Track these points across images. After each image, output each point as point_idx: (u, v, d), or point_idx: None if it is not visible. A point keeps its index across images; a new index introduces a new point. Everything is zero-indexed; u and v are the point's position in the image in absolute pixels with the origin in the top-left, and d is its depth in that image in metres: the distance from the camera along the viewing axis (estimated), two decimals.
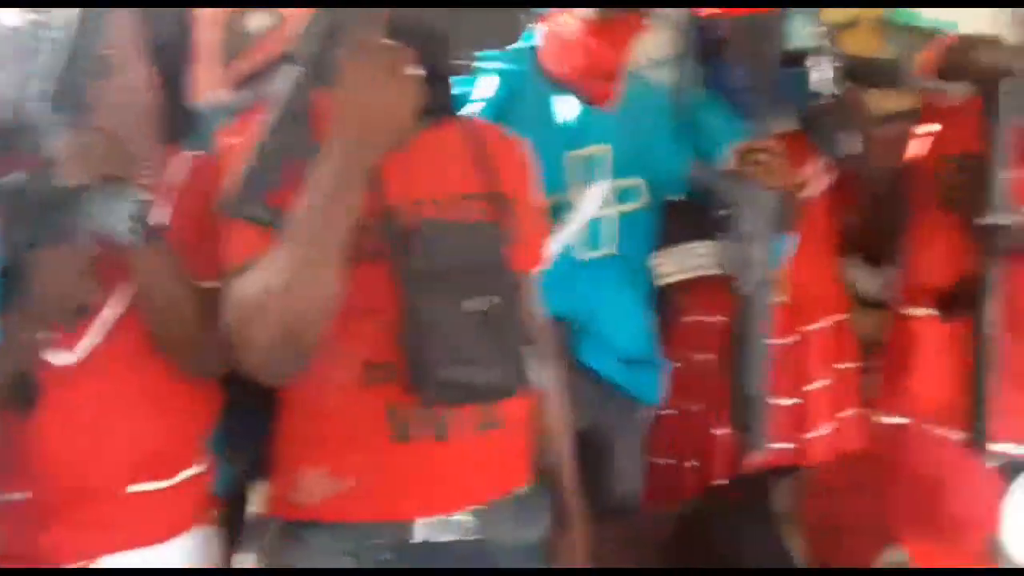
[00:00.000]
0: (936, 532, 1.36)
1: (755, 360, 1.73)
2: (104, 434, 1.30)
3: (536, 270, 1.47)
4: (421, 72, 1.19)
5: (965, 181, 1.83)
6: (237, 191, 1.20)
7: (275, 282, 1.16)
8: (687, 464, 2.06)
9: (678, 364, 2.04)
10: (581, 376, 1.84)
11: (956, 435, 1.86)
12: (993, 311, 1.83)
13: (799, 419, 2.00)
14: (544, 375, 1.42)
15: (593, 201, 1.75)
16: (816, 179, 2.01)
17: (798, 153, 2.01)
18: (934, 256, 1.97)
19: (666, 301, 2.09)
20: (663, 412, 2.06)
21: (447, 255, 1.23)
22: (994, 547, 1.48)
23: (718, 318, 2.02)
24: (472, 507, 1.29)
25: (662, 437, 2.07)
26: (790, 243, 1.96)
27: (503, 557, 1.32)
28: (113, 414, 1.30)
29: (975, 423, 1.83)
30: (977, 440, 1.86)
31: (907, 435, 1.96)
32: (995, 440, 1.92)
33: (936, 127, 2.01)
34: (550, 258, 1.73)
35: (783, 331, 2.02)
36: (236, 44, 1.56)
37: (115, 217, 1.18)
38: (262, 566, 1.32)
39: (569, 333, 1.80)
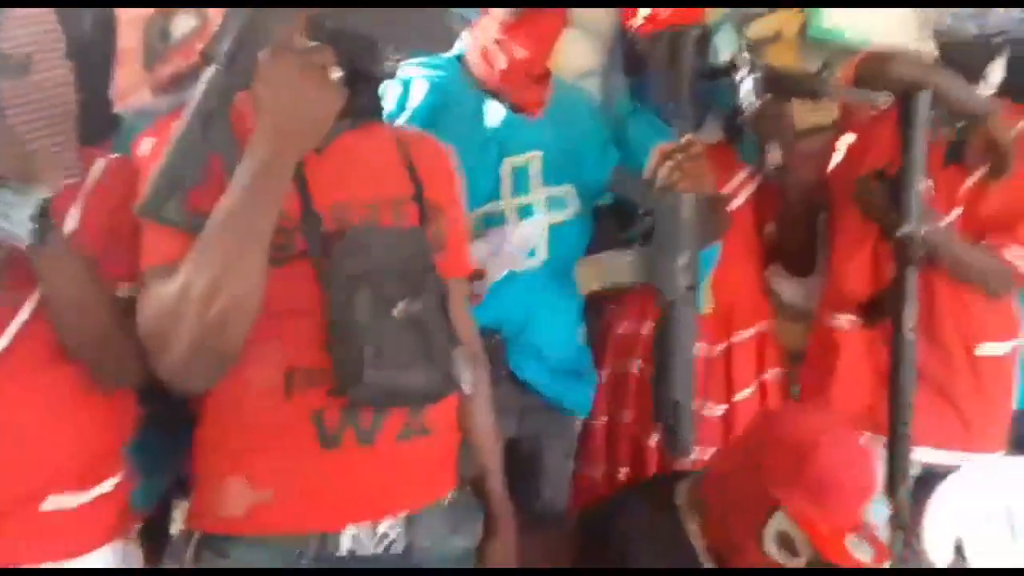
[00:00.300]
0: (807, 490, 1.43)
1: (679, 368, 1.74)
2: (14, 444, 1.23)
3: (463, 277, 1.45)
4: (340, 73, 1.18)
5: (882, 192, 1.87)
6: (153, 193, 1.17)
7: (194, 284, 1.12)
8: (620, 472, 2.07)
9: (610, 373, 2.06)
10: (512, 385, 1.83)
11: (876, 440, 1.90)
12: (910, 318, 1.87)
13: (728, 426, 2.02)
14: (472, 382, 1.41)
15: (526, 239, 1.76)
16: (740, 189, 2.05)
17: (723, 164, 2.03)
18: (855, 265, 2.00)
19: (600, 310, 2.11)
20: (595, 421, 2.07)
21: (374, 259, 1.20)
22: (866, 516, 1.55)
23: (647, 327, 2.04)
24: (399, 514, 1.26)
25: (595, 446, 2.07)
26: (715, 252, 1.99)
27: (431, 567, 1.30)
28: (23, 423, 1.23)
29: (894, 429, 1.87)
30: (898, 445, 1.90)
31: None
32: (915, 445, 1.97)
33: (854, 139, 2.07)
34: (488, 279, 1.74)
35: (711, 340, 2.03)
36: (159, 47, 1.52)
37: (13, 219, 1.13)
38: None
39: (500, 343, 1.79)
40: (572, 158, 1.80)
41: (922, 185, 1.84)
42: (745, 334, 2.04)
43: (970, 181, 1.96)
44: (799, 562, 1.44)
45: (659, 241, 1.73)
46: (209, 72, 1.17)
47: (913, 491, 1.98)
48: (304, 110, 1.13)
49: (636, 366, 2.02)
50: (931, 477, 2.02)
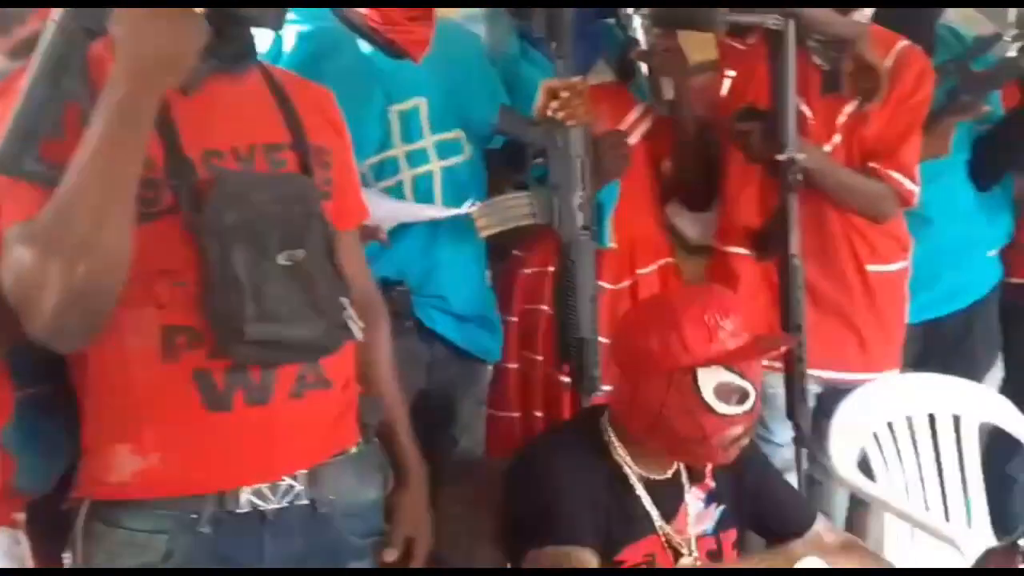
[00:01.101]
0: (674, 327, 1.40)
1: (582, 306, 1.69)
2: None
3: (356, 227, 1.38)
4: (203, 9, 1.08)
5: (758, 124, 1.85)
6: (7, 147, 1.05)
7: (56, 242, 1.00)
8: (536, 415, 2.03)
9: (519, 316, 2.00)
10: (419, 336, 1.75)
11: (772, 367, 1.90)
12: (794, 244, 1.87)
13: None
14: (373, 333, 1.34)
15: (427, 212, 1.69)
16: (635, 127, 2.01)
17: (616, 103, 1.97)
18: (745, 198, 1.98)
19: (505, 253, 2.06)
20: (508, 365, 2.00)
21: (251, 208, 1.09)
22: None
23: (551, 268, 2.00)
24: (301, 470, 1.19)
25: (509, 390, 2.01)
26: (616, 190, 1.95)
27: (339, 519, 1.23)
28: None
29: (789, 352, 1.88)
30: (795, 367, 1.92)
31: None
32: (815, 367, 1.99)
33: (735, 74, 2.02)
34: (382, 228, 1.66)
35: (615, 277, 1.99)
36: (14, 9, 1.40)
37: None
38: (73, 553, 1.19)
39: (403, 294, 1.70)
40: (459, 102, 1.70)
41: (795, 112, 1.85)
42: (649, 269, 2.00)
43: (848, 108, 1.95)
44: (736, 409, 1.37)
45: (552, 181, 1.68)
46: (58, 13, 1.06)
47: (816, 410, 2.02)
48: (162, 44, 1.01)
49: (545, 308, 1.98)
50: (833, 395, 2.05)
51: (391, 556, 1.31)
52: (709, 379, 1.36)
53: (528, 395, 2.02)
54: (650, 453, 1.46)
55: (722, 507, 1.52)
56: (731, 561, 1.52)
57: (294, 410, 1.17)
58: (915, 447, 2.07)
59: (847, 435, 1.98)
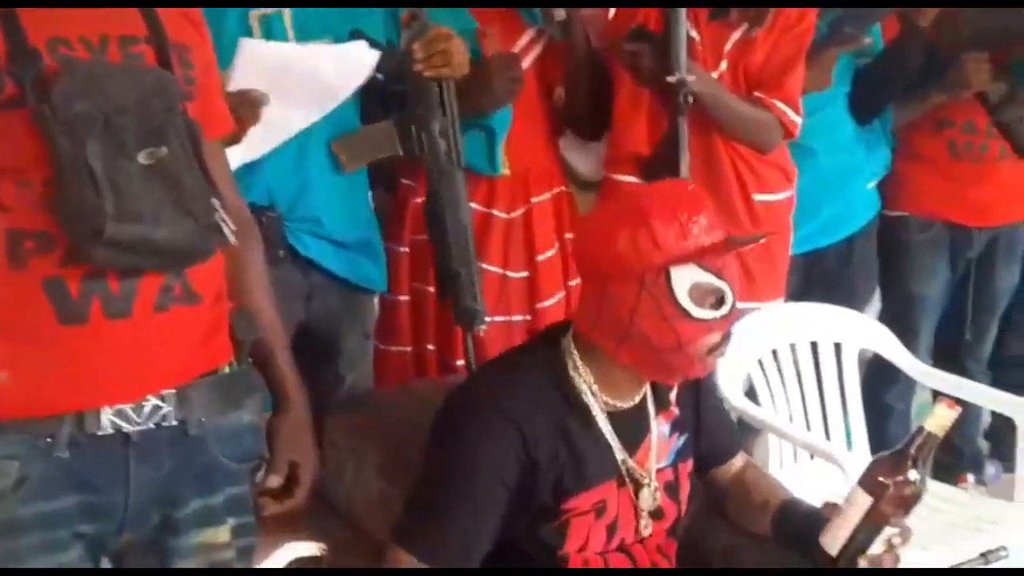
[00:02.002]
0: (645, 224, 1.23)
1: (454, 238, 1.63)
2: None
3: (222, 136, 1.27)
4: None
5: (649, 43, 1.81)
6: None
7: None
8: (428, 348, 1.96)
9: (410, 247, 1.93)
10: (294, 265, 1.66)
11: None
12: (684, 167, 1.85)
13: (532, 289, 1.94)
14: (245, 251, 1.25)
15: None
16: (526, 52, 1.93)
17: (507, 27, 1.89)
18: (633, 124, 1.95)
19: (394, 182, 1.97)
20: (399, 298, 1.95)
21: (107, 99, 0.98)
22: None
23: None
24: (168, 389, 1.10)
25: (400, 324, 1.95)
26: (508, 116, 1.89)
27: (212, 442, 1.14)
28: None
29: None
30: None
31: None
32: None
33: None
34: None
35: (509, 205, 1.93)
36: None
37: None
38: None
39: (275, 219, 1.60)
40: (327, 9, 1.59)
41: (685, 33, 1.82)
42: (543, 197, 1.95)
43: (735, 36, 1.94)
44: (712, 313, 1.23)
45: (412, 109, 1.60)
46: None
47: None
48: None
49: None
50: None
51: (274, 481, 1.23)
52: (683, 279, 1.21)
53: (420, 328, 1.96)
54: (617, 376, 1.30)
55: (684, 437, 1.39)
56: (686, 491, 1.39)
57: (158, 324, 1.07)
58: (798, 374, 2.11)
59: (733, 363, 1.98)
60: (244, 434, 1.20)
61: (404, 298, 1.95)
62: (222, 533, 1.17)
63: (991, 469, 2.71)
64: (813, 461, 2.02)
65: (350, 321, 1.77)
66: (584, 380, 1.30)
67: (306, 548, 1.44)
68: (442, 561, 1.24)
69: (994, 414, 2.79)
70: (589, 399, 1.29)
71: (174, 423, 1.11)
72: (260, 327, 1.22)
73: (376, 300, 1.88)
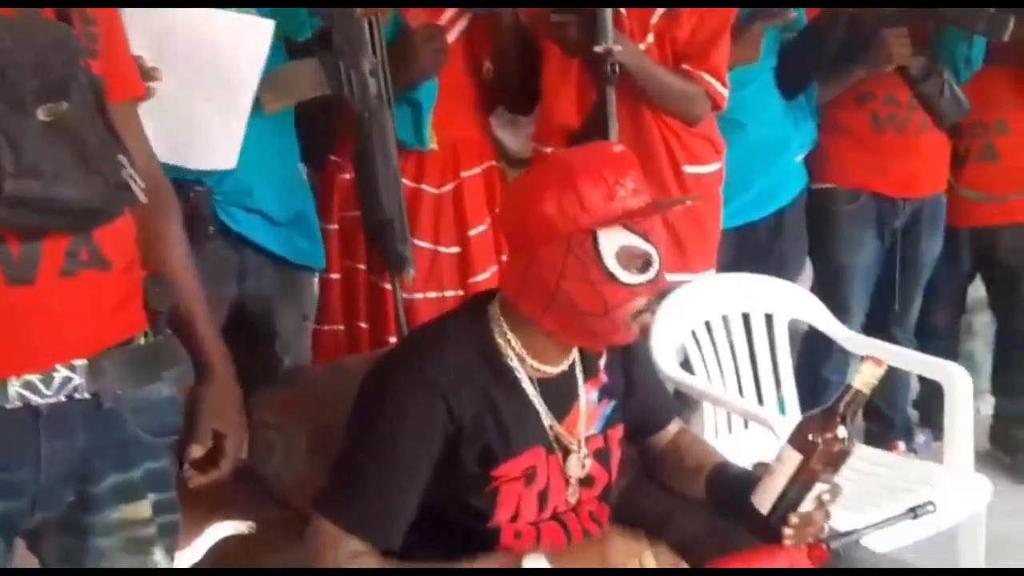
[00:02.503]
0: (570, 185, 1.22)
1: (383, 183, 1.57)
2: None
3: (130, 99, 1.22)
4: None
5: (576, 14, 1.79)
6: None
7: None
8: (360, 326, 1.92)
9: (339, 224, 1.89)
10: (225, 242, 1.61)
11: None
12: (615, 137, 1.83)
13: (464, 265, 1.91)
14: (161, 221, 1.20)
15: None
16: (453, 25, 1.90)
17: None
18: (562, 96, 1.93)
19: (323, 159, 1.93)
20: (329, 276, 1.90)
21: (1, 53, 0.96)
22: None
23: None
24: (79, 360, 1.05)
25: (332, 302, 1.90)
26: (434, 88, 1.86)
27: (128, 415, 1.09)
28: None
29: None
30: None
31: None
32: None
33: None
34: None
35: (439, 180, 1.90)
36: None
37: None
38: None
39: (203, 194, 1.55)
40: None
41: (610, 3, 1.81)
42: (473, 172, 1.92)
43: (661, 9, 1.93)
44: (639, 278, 1.20)
45: (338, 46, 1.52)
46: None
47: None
48: None
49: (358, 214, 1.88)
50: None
51: (196, 451, 1.19)
52: (611, 242, 1.19)
53: (352, 306, 1.92)
54: (543, 342, 1.27)
55: (613, 403, 1.37)
56: (616, 457, 1.37)
57: (66, 291, 1.02)
58: (731, 345, 2.12)
59: (667, 334, 1.99)
60: (163, 407, 1.15)
61: (335, 276, 1.91)
62: (142, 509, 1.13)
63: (921, 437, 2.78)
64: (748, 430, 2.03)
65: (286, 301, 1.73)
66: (511, 347, 1.27)
67: (234, 527, 1.40)
68: (363, 528, 1.21)
69: (923, 384, 2.87)
70: (516, 365, 1.27)
71: (87, 396, 1.06)
72: (176, 295, 1.18)
73: (316, 280, 1.83)
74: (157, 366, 1.14)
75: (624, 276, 1.20)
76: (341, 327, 1.93)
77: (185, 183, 1.48)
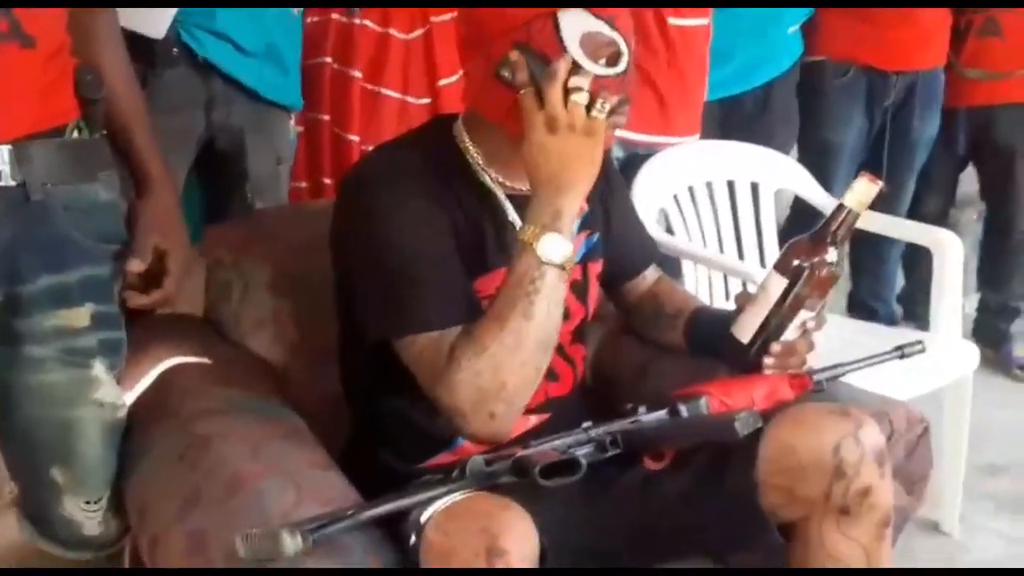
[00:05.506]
0: None
1: None
2: None
3: None
4: None
5: None
6: None
7: None
8: (325, 182, 1.83)
9: (302, 72, 1.79)
10: (191, 70, 1.52)
11: None
12: None
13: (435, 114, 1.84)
14: (93, 12, 1.10)
15: None
16: None
17: None
18: None
19: None
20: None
21: None
22: None
23: (335, 16, 1.80)
24: (2, 143, 0.96)
25: (296, 157, 1.81)
26: None
27: (60, 212, 1.02)
28: None
29: None
30: None
31: None
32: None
33: None
34: None
35: (408, 25, 1.80)
36: None
37: None
38: None
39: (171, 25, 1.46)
40: None
41: None
42: (444, 17, 1.80)
43: None
44: (607, 70, 1.09)
45: None
46: None
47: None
48: None
49: (328, 60, 1.78)
50: (634, 159, 1.99)
51: (135, 265, 1.13)
52: (574, 26, 1.08)
53: (315, 161, 1.83)
54: (509, 153, 1.15)
55: (596, 235, 1.29)
56: (594, 292, 1.30)
57: None
58: (714, 211, 2.06)
59: (648, 196, 1.92)
60: (100, 211, 1.08)
61: (298, 128, 1.81)
62: (79, 316, 1.06)
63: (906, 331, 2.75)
64: (728, 301, 1.98)
65: (257, 140, 1.63)
66: (481, 163, 1.18)
67: (187, 360, 1.33)
68: (448, 316, 1.08)
69: (907, 279, 2.84)
70: (484, 178, 1.18)
71: (12, 183, 0.98)
72: (110, 96, 1.09)
73: (292, 121, 1.73)
74: (91, 165, 1.07)
75: (590, 65, 1.09)
76: (304, 184, 1.84)
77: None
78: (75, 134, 1.05)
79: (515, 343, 1.04)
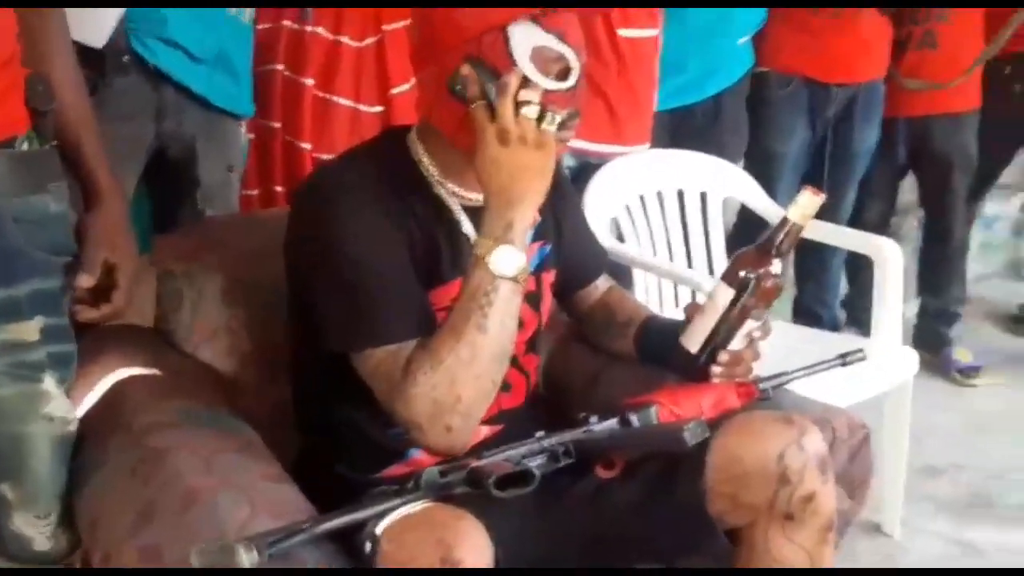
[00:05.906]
0: None
1: None
2: None
3: None
4: None
5: None
6: None
7: None
8: (276, 190, 1.82)
9: (255, 79, 1.77)
10: (141, 77, 1.51)
11: None
12: None
13: (386, 123, 1.81)
14: (44, 17, 1.09)
15: None
16: None
17: None
18: None
19: None
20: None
21: None
22: None
23: (286, 23, 1.80)
24: None
25: (248, 165, 1.81)
26: None
27: (10, 223, 0.99)
28: None
29: None
30: None
31: None
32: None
33: None
34: None
35: (360, 32, 1.81)
36: None
37: None
38: None
39: (119, 23, 1.45)
40: None
41: None
42: (396, 24, 1.81)
43: None
44: (557, 84, 1.10)
45: None
46: None
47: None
48: None
49: (280, 67, 1.78)
50: (586, 168, 2.02)
51: (84, 280, 1.12)
52: (524, 41, 1.09)
53: (266, 168, 1.83)
54: (462, 164, 1.16)
55: (548, 246, 1.30)
56: (547, 302, 1.31)
57: None
58: (664, 220, 2.10)
59: (600, 206, 1.95)
60: (51, 223, 1.07)
61: (249, 136, 1.81)
62: (28, 330, 1.05)
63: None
64: (678, 309, 2.02)
65: (208, 147, 1.62)
66: (434, 174, 1.20)
67: (138, 371, 1.32)
68: (404, 331, 1.09)
69: (851, 284, 2.91)
70: (439, 190, 1.20)
71: None
72: (60, 105, 1.09)
73: (243, 129, 1.73)
74: (41, 176, 1.06)
75: (540, 79, 1.10)
76: (255, 192, 1.84)
77: None
78: (25, 145, 1.04)
79: (470, 356, 1.06)
